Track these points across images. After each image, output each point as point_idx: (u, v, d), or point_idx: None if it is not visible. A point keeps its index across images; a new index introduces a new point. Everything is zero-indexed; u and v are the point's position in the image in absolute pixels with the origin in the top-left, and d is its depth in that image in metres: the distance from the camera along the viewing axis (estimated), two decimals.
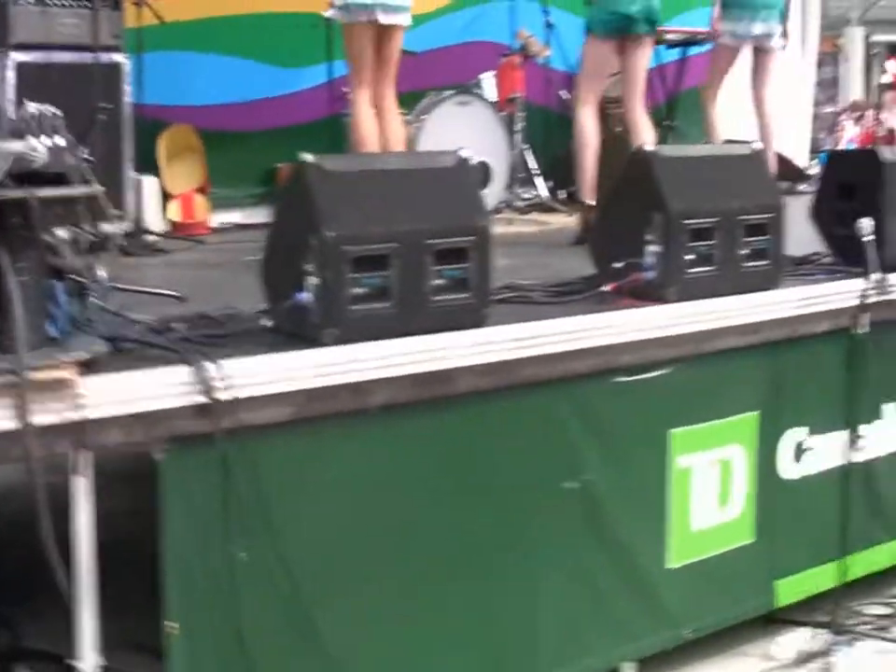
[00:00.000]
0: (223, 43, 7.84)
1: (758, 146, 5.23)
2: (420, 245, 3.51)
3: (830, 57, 23.87)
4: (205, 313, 3.64)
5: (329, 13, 6.58)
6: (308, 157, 3.38)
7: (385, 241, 3.42)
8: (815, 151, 12.38)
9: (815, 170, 11.30)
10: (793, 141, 10.74)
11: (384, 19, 5.84)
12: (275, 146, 7.99)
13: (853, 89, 23.35)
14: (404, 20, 5.99)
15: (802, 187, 9.14)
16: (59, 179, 2.91)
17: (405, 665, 3.61)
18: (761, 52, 7.51)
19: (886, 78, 10.84)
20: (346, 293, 3.34)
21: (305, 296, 3.30)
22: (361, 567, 3.44)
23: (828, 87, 13.74)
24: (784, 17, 7.48)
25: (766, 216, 4.94)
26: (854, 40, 34.47)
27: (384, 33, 5.94)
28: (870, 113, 12.68)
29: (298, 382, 3.24)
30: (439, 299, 3.56)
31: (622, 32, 6.56)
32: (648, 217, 4.47)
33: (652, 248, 4.45)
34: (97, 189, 2.96)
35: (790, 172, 9.93)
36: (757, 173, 5.15)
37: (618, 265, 4.43)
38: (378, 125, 6.00)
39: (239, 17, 7.89)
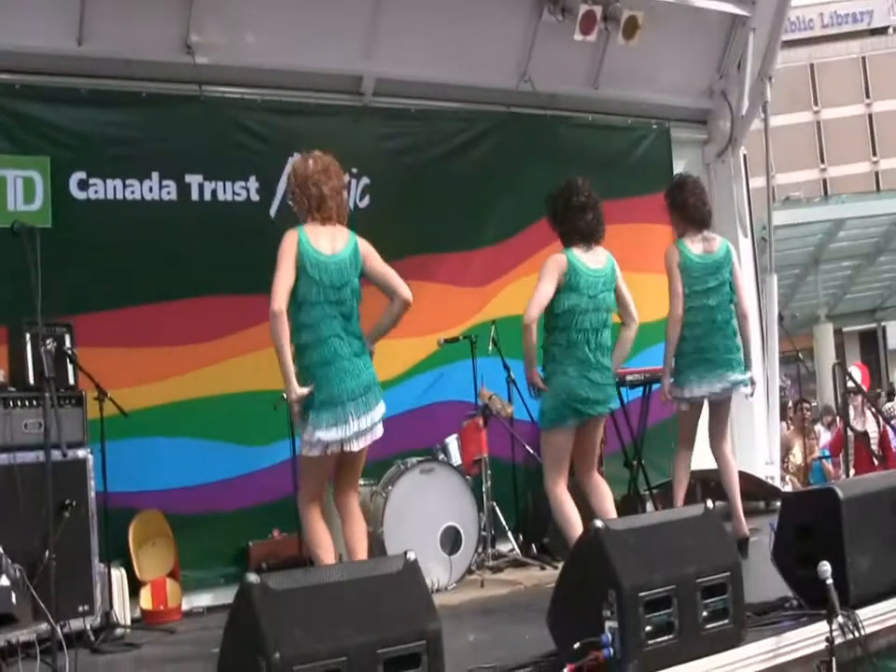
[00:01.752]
0: (186, 426, 7.99)
1: (710, 504, 5.34)
2: (371, 655, 3.55)
3: (803, 353, 24.37)
4: None
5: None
6: (253, 577, 3.46)
7: (334, 656, 3.47)
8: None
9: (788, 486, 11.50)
10: (765, 455, 10.87)
11: (354, 446, 5.87)
12: (245, 525, 8.13)
13: (826, 386, 23.81)
14: (377, 433, 6.00)
15: (777, 503, 9.19)
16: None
17: None
18: (716, 405, 7.67)
19: (851, 384, 11.08)
20: None
21: None
22: None
23: (804, 382, 14.00)
24: (747, 365, 7.64)
25: (724, 574, 5.01)
26: (825, 336, 35.46)
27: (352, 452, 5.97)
28: (839, 419, 12.90)
29: None
30: None
31: (580, 418, 6.69)
32: (603, 592, 4.53)
33: (609, 624, 4.49)
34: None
35: (763, 492, 10.04)
36: (712, 531, 5.24)
37: (577, 644, 4.46)
38: (342, 526, 6.11)
39: (200, 400, 8.08)
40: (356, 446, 5.86)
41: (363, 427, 5.85)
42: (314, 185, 5.99)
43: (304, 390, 5.80)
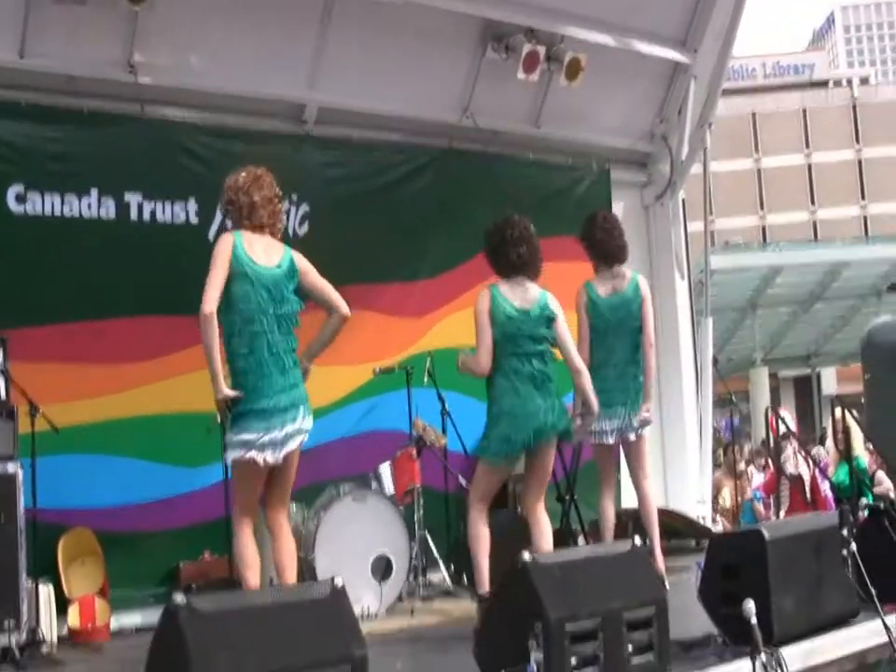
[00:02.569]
0: (119, 445, 7.95)
1: (638, 541, 5.38)
2: None
3: (739, 396, 24.67)
4: None
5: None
6: (179, 598, 3.43)
7: None
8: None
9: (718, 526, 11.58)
10: (697, 494, 10.95)
11: (270, 458, 5.83)
12: (176, 545, 8.09)
13: (760, 429, 24.02)
14: (300, 441, 5.96)
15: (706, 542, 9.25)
16: None
17: None
18: (627, 442, 7.72)
19: (784, 428, 11.21)
20: None
21: None
22: None
23: (739, 424, 14.16)
24: (646, 396, 7.67)
25: (650, 609, 5.04)
26: (760, 380, 35.82)
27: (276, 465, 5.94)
28: (771, 462, 13.03)
29: None
30: None
31: (528, 447, 6.65)
32: (529, 624, 4.54)
33: (535, 655, 4.51)
34: None
35: (694, 531, 10.11)
36: (639, 567, 5.28)
37: None
38: (272, 544, 6.07)
39: (133, 419, 8.04)
40: (280, 454, 5.83)
41: (288, 436, 5.83)
42: (244, 194, 6.02)
43: (231, 393, 5.78)
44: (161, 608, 3.54)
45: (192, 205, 8.46)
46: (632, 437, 7.63)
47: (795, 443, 11.43)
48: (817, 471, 11.11)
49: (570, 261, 10.24)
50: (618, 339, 7.60)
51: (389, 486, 8.38)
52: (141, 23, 7.94)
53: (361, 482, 8.26)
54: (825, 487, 10.95)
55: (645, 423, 7.61)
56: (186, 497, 8.22)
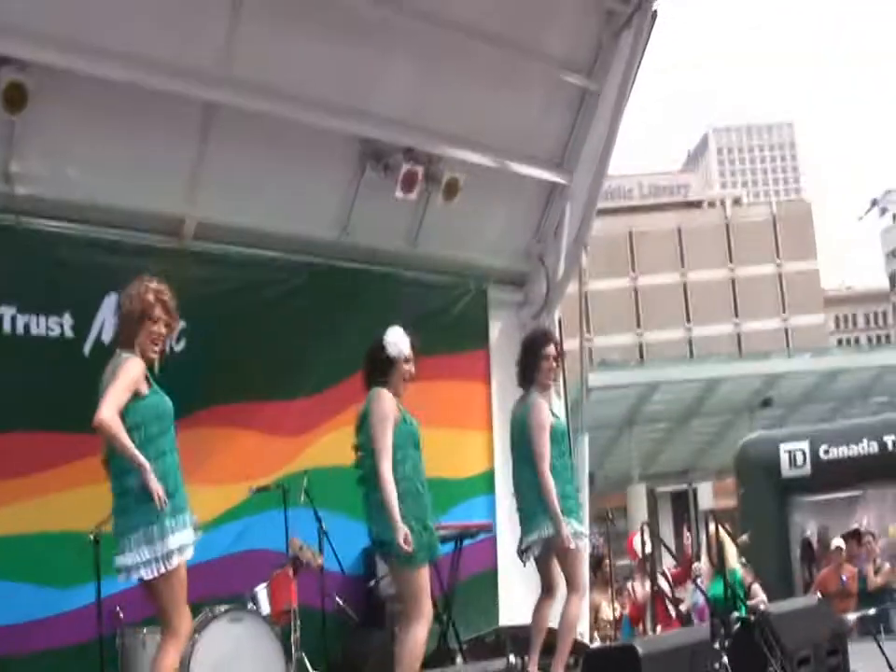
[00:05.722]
0: None
1: (513, 659, 5.38)
2: None
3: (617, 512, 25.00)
4: None
5: None
6: None
7: None
8: None
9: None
10: None
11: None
12: (46, 670, 7.82)
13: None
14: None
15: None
16: None
17: None
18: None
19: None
20: None
21: None
22: None
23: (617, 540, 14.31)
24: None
25: None
26: (638, 495, 36.17)
27: None
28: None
29: None
30: None
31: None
32: None
33: None
34: None
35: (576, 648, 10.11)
36: None
37: None
38: None
39: (4, 538, 7.81)
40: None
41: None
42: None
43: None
44: None
45: (67, 319, 8.35)
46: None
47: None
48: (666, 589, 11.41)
49: (446, 380, 10.42)
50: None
51: (266, 606, 8.25)
52: (18, 132, 7.92)
53: (238, 602, 8.12)
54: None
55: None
56: (56, 618, 7.97)
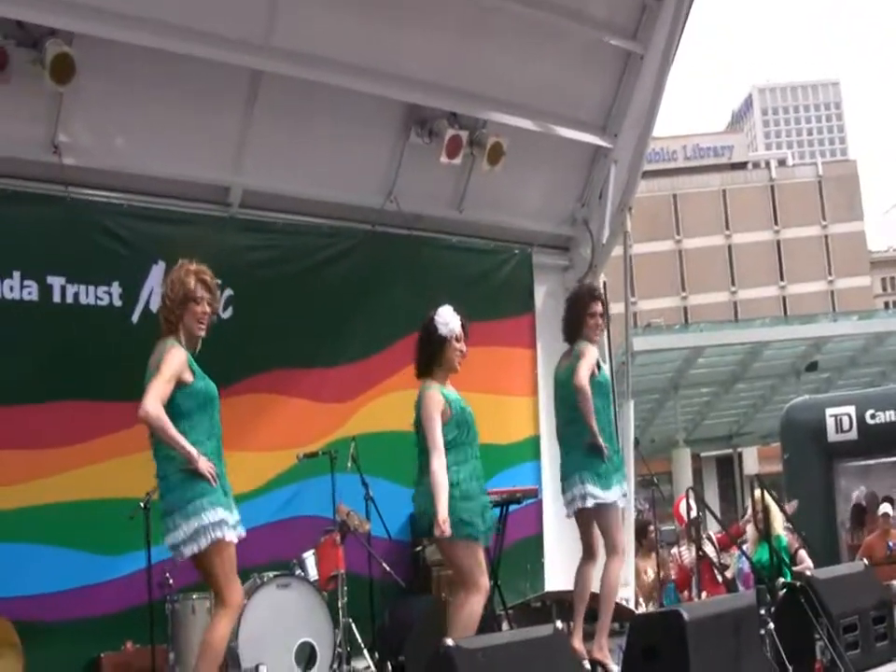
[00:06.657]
0: (39, 532, 7.81)
1: (559, 625, 5.41)
2: None
3: (662, 477, 24.90)
4: None
5: None
6: None
7: None
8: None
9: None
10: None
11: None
12: (96, 634, 7.93)
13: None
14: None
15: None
16: None
17: None
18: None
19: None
20: None
21: None
22: None
23: (662, 505, 14.26)
24: None
25: None
26: (682, 460, 36.12)
27: None
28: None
29: None
30: None
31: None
32: None
33: None
34: None
35: (617, 613, 10.13)
36: (560, 651, 5.30)
37: None
38: None
39: (55, 505, 7.91)
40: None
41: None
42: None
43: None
44: None
45: (116, 288, 8.41)
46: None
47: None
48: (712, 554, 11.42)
49: (493, 346, 10.42)
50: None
51: (313, 573, 8.31)
52: (66, 104, 7.95)
53: (285, 569, 8.19)
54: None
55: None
56: (106, 584, 8.08)
